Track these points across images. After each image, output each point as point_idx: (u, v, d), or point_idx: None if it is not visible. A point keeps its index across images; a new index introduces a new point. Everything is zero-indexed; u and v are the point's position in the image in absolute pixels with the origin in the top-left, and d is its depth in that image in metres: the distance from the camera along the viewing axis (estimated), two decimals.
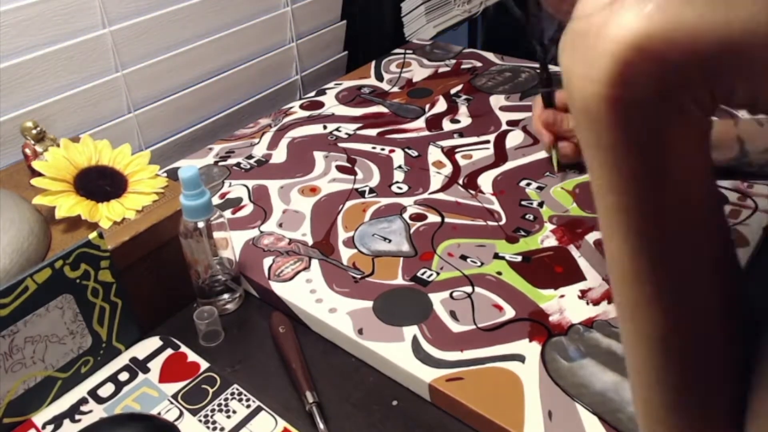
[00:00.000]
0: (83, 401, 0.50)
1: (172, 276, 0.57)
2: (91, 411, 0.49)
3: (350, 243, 0.62)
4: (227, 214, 0.67)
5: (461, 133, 0.79)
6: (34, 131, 0.60)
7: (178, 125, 0.83)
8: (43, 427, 0.48)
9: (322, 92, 0.91)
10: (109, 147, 0.59)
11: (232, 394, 0.49)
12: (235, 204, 0.68)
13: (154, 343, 0.55)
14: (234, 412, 0.48)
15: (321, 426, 0.46)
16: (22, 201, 0.54)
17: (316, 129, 0.82)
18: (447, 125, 0.81)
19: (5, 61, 0.64)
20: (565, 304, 0.53)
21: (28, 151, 0.61)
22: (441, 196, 0.68)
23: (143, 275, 0.55)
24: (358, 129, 0.81)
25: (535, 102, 0.71)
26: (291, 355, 0.51)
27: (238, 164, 0.75)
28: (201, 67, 0.83)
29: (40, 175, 0.54)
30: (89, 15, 0.70)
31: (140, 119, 0.77)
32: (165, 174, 0.66)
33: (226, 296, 0.57)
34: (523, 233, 0.62)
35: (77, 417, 0.48)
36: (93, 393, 0.50)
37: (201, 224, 0.53)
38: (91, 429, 0.46)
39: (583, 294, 0.54)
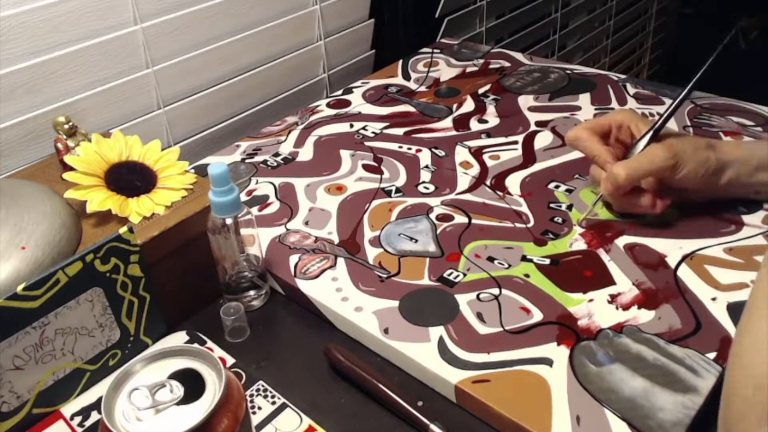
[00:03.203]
0: None
1: (200, 272, 0.57)
2: None
3: (376, 242, 0.61)
4: (254, 211, 0.67)
5: (489, 134, 0.78)
6: (66, 126, 0.61)
7: (206, 122, 0.84)
8: (71, 418, 0.48)
9: (349, 91, 0.91)
10: (139, 142, 0.60)
11: (258, 390, 0.50)
12: (262, 201, 0.69)
13: (180, 337, 0.55)
14: (259, 408, 0.48)
15: None
16: (54, 194, 0.54)
17: (342, 127, 0.82)
18: (474, 125, 0.80)
19: (39, 56, 0.65)
20: (594, 309, 0.53)
21: (60, 145, 0.61)
22: (468, 196, 0.67)
23: (171, 270, 0.55)
24: (385, 128, 0.81)
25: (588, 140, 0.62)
26: (392, 392, 0.48)
27: (264, 161, 0.76)
28: (229, 64, 0.83)
29: (71, 169, 0.55)
30: (121, 12, 0.71)
31: (169, 115, 0.78)
32: (193, 170, 0.66)
33: (252, 293, 0.58)
34: (551, 236, 0.61)
35: None
36: None
37: (229, 221, 0.53)
38: None
39: (613, 299, 0.53)
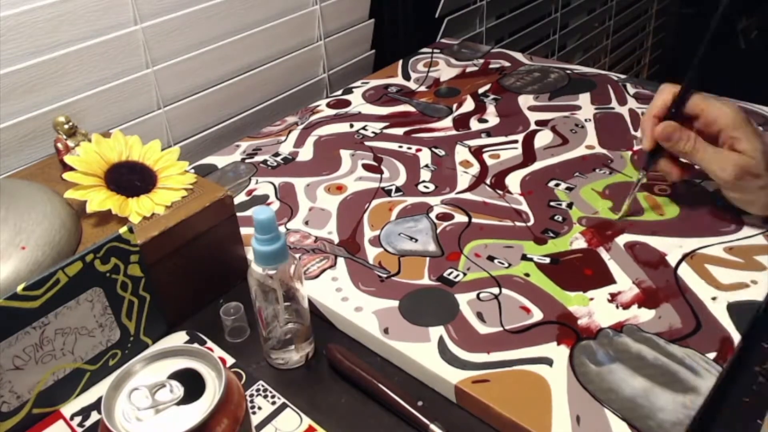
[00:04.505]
0: None
1: (200, 271, 0.57)
2: None
3: (376, 242, 0.61)
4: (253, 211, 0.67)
5: (489, 133, 0.78)
6: (66, 126, 0.61)
7: (206, 122, 0.84)
8: (71, 418, 0.48)
9: (349, 91, 0.91)
10: (139, 143, 0.60)
11: (258, 390, 0.50)
12: (262, 201, 0.69)
13: (180, 337, 0.55)
14: (259, 408, 0.48)
15: None
16: (54, 195, 0.54)
17: (342, 127, 0.82)
18: (474, 125, 0.80)
19: (39, 56, 0.65)
20: (594, 308, 0.53)
21: (60, 145, 0.61)
22: (468, 195, 0.67)
23: (171, 270, 0.55)
24: (385, 128, 0.81)
25: (659, 93, 0.60)
26: (393, 392, 0.47)
27: (264, 161, 0.75)
28: (230, 64, 0.83)
29: (71, 169, 0.55)
30: (121, 12, 0.70)
31: (169, 115, 0.78)
32: (193, 170, 0.67)
33: (292, 347, 0.52)
34: (551, 234, 0.61)
35: None
36: None
37: (272, 272, 0.47)
38: None
39: (613, 297, 0.53)
